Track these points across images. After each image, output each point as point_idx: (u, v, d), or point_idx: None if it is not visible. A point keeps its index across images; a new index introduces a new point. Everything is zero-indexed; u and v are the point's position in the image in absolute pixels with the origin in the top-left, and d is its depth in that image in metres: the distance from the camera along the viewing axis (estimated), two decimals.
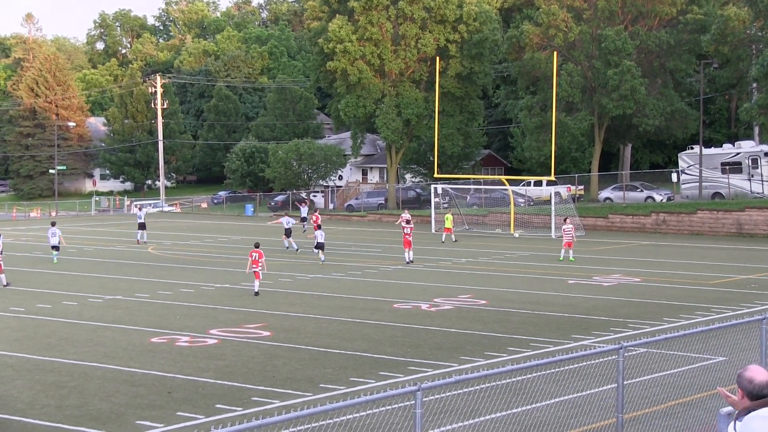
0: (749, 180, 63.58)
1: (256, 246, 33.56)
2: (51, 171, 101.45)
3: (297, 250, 46.50)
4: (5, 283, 34.96)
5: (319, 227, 44.09)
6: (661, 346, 20.19)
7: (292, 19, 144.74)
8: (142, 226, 53.11)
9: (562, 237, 42.51)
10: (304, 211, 60.95)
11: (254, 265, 32.41)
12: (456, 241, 51.80)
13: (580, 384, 18.21)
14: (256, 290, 32.08)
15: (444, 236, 52.11)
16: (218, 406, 17.56)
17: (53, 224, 44.81)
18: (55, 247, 43.11)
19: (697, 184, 65.58)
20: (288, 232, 47.73)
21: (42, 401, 18.15)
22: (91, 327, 26.13)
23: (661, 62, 69.93)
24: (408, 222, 44.09)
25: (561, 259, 42.11)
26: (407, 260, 41.31)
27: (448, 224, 52.07)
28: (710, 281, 35.13)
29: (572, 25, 68.72)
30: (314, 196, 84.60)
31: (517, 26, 74.24)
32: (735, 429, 7.27)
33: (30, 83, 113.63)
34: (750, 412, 7.18)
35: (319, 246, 41.98)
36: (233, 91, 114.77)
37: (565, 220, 44.95)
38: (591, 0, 69.35)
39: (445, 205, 68.26)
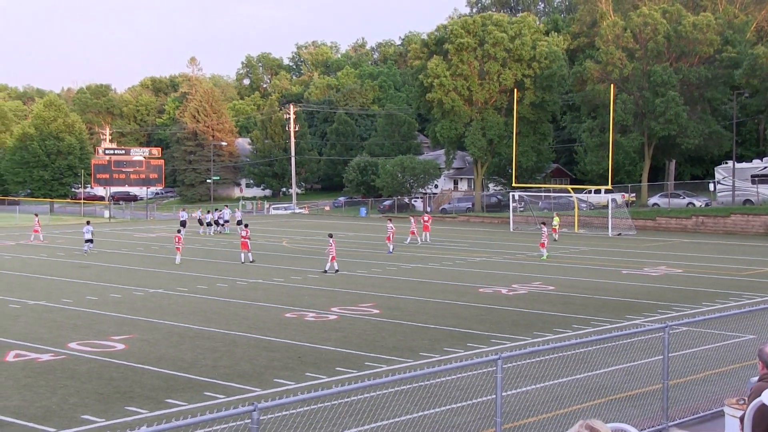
0: None
1: (330, 236, 35.49)
2: (208, 180, 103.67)
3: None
4: (251, 260, 38.09)
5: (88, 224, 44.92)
6: (700, 326, 19.66)
7: (398, 58, 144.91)
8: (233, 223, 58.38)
9: (551, 236, 40.34)
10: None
11: (330, 249, 34.57)
12: (556, 240, 49.09)
13: (633, 355, 17.84)
14: (326, 269, 34.24)
15: (555, 235, 49.20)
16: (338, 368, 17.68)
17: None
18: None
19: (731, 192, 63.60)
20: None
21: (201, 362, 18.54)
22: (239, 304, 26.60)
23: (700, 92, 68.00)
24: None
25: (543, 258, 39.33)
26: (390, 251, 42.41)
27: (556, 225, 50.37)
28: (742, 272, 34.00)
29: (626, 62, 67.41)
30: (414, 201, 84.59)
31: (581, 63, 73.12)
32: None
33: (192, 112, 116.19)
34: None
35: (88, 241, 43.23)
36: (350, 117, 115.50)
37: (542, 224, 43.32)
38: (642, 42, 67.91)
39: (521, 209, 67.51)
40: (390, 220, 46.17)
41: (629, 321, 22.86)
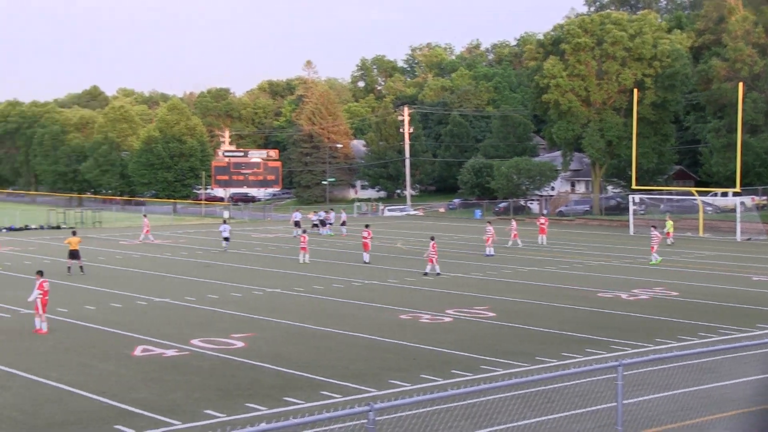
0: None
1: (432, 238, 35.13)
2: (324, 182, 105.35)
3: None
4: (367, 261, 39.04)
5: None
6: None
7: (513, 59, 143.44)
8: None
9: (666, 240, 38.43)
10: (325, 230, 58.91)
11: (432, 252, 34.21)
12: (673, 243, 47.68)
13: (765, 367, 17.04)
14: (438, 272, 33.87)
15: (668, 240, 47.36)
16: (453, 371, 17.63)
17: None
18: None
19: None
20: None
21: (318, 361, 18.83)
22: (354, 305, 26.87)
23: None
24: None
25: (653, 263, 38.06)
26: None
27: (670, 229, 48.49)
28: None
29: (757, 59, 64.65)
30: (530, 203, 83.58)
31: (706, 62, 70.58)
32: None
33: (309, 114, 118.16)
34: None
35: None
36: (465, 119, 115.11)
37: (653, 227, 41.35)
38: None
39: (642, 212, 65.65)
40: (490, 222, 45.78)
41: (761, 330, 21.88)
